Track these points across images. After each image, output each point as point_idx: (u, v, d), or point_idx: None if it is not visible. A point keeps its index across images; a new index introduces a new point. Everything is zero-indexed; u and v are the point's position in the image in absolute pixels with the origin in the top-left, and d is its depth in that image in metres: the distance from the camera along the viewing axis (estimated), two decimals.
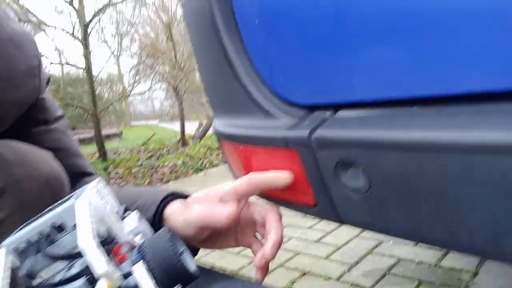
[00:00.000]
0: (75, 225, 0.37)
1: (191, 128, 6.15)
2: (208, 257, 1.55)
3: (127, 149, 5.41)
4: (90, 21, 3.95)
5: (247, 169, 0.53)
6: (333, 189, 0.41)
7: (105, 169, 3.94)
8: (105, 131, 5.89)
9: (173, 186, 3.21)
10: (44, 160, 0.58)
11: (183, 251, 0.45)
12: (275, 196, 0.51)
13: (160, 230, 0.42)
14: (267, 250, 0.45)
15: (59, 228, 0.38)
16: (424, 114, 0.36)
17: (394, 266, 1.30)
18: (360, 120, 0.39)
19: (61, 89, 4.41)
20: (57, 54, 4.03)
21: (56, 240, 0.38)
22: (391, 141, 0.35)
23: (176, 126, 5.74)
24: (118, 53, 6.02)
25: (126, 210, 0.52)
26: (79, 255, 0.35)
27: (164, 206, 0.53)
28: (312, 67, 0.44)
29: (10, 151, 0.56)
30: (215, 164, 3.87)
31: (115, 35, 5.29)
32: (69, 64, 4.13)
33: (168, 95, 6.76)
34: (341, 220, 0.43)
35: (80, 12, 3.84)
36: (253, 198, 0.50)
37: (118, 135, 7.86)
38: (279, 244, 0.46)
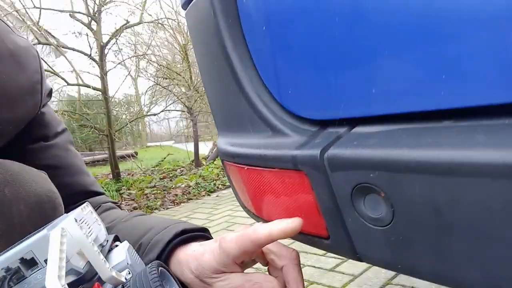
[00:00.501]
0: (46, 260, 0.31)
1: (206, 148, 6.13)
2: None
3: (141, 170, 5.40)
4: (107, 42, 4.02)
5: (252, 194, 0.48)
6: (349, 219, 0.35)
7: (118, 190, 3.92)
8: (121, 152, 5.92)
9: (185, 208, 3.15)
10: (36, 180, 0.54)
11: None
12: None
13: (148, 266, 0.36)
14: None
15: (30, 262, 0.33)
16: (459, 129, 0.30)
17: None
18: (381, 137, 0.33)
19: (78, 110, 4.46)
20: (74, 75, 4.09)
21: (25, 277, 0.33)
22: (419, 162, 0.29)
23: (190, 147, 5.73)
24: (136, 75, 6.11)
25: (116, 239, 0.46)
26: None
27: (173, 248, 0.50)
28: (325, 77, 0.39)
29: (0, 170, 0.52)
30: (228, 185, 3.81)
31: (132, 57, 5.38)
32: (86, 86, 4.18)
33: (183, 116, 6.79)
34: (358, 257, 0.37)
35: (97, 34, 3.91)
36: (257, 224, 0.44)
37: (134, 155, 7.90)
38: None
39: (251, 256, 0.46)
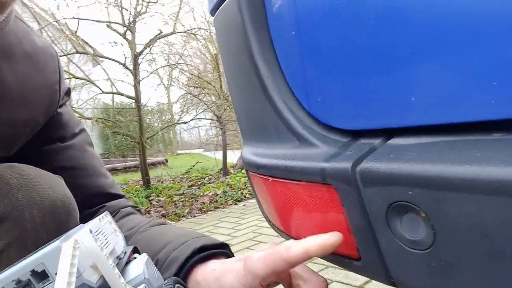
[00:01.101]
0: (55, 274, 0.30)
1: (234, 157, 6.15)
2: None
3: (171, 177, 5.47)
4: (141, 52, 4.12)
5: (276, 208, 0.45)
6: (383, 240, 0.32)
7: (147, 196, 3.98)
8: (152, 159, 6.03)
9: (212, 216, 3.15)
10: (51, 185, 0.53)
11: None
12: None
13: (164, 283, 0.34)
14: None
15: (42, 275, 0.31)
16: (511, 142, 0.26)
17: None
18: (421, 150, 0.30)
19: (111, 117, 4.59)
20: (109, 83, 4.22)
21: None
22: (465, 180, 0.25)
23: (219, 155, 5.76)
24: (168, 84, 6.24)
25: (135, 250, 0.44)
26: None
27: (191, 266, 0.47)
28: (358, 84, 0.36)
29: (13, 175, 0.51)
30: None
31: (165, 66, 5.49)
32: (119, 94, 4.30)
33: (213, 125, 6.86)
34: (392, 281, 0.33)
35: (131, 44, 4.02)
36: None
37: (164, 162, 8.04)
38: None
39: (280, 278, 0.43)
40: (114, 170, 7.82)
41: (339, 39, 0.38)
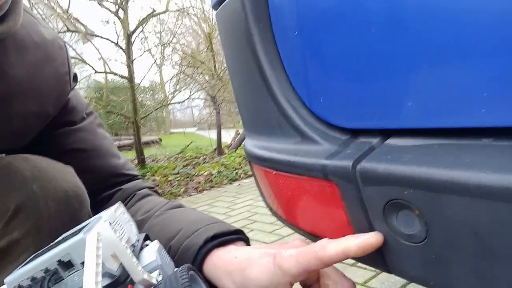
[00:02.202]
0: (83, 263, 0.33)
1: (228, 136, 6.16)
2: None
3: (165, 156, 5.49)
4: (134, 31, 4.06)
5: (279, 199, 0.48)
6: (381, 233, 0.35)
7: (143, 175, 4.01)
8: (145, 138, 6.02)
9: (207, 196, 3.20)
10: (63, 175, 0.55)
11: None
12: (311, 232, 0.45)
13: (178, 270, 0.37)
14: None
15: (67, 264, 0.34)
16: (499, 149, 0.28)
17: None
18: (417, 153, 0.32)
19: (104, 97, 4.56)
20: (101, 63, 4.17)
21: (63, 279, 0.34)
22: (456, 183, 0.28)
23: (213, 134, 5.77)
24: (161, 63, 6.17)
25: (146, 238, 0.47)
26: None
27: (207, 252, 0.47)
28: (359, 85, 0.38)
29: (28, 167, 0.53)
30: (250, 174, 3.83)
31: (158, 45, 5.42)
32: (113, 73, 4.26)
33: (206, 104, 6.84)
34: (388, 269, 0.36)
35: (124, 22, 3.96)
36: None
37: (158, 142, 8.04)
38: None
39: (311, 276, 0.42)
40: None
41: (340, 41, 0.40)
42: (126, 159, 0.75)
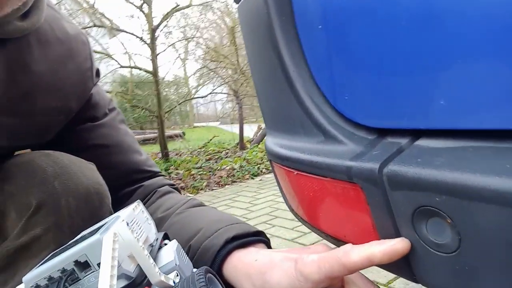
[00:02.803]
0: (99, 264, 0.32)
1: (250, 131, 6.16)
2: None
3: (188, 150, 5.55)
4: (158, 25, 4.10)
5: (300, 200, 0.46)
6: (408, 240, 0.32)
7: (166, 169, 4.06)
8: (169, 131, 6.10)
9: (229, 190, 3.21)
10: (84, 172, 0.55)
11: None
12: (333, 236, 0.43)
13: (196, 273, 0.36)
14: None
15: (84, 265, 0.34)
16: None
17: None
18: (449, 156, 0.30)
19: (130, 91, 4.63)
20: (127, 57, 4.24)
21: (79, 279, 0.34)
22: (493, 191, 0.26)
23: (235, 128, 5.78)
24: (185, 57, 6.22)
25: (165, 237, 0.47)
26: None
27: (227, 253, 0.46)
28: (387, 82, 0.35)
29: (49, 163, 0.54)
30: (271, 170, 3.82)
31: (181, 40, 5.46)
32: (138, 68, 4.31)
33: (229, 99, 6.85)
34: (415, 279, 0.34)
35: (148, 17, 4.00)
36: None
37: (181, 135, 8.13)
38: None
39: (334, 283, 0.40)
40: None
41: (368, 34, 0.37)
42: (148, 156, 0.75)
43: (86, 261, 0.33)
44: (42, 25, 0.58)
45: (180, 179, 3.71)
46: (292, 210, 0.54)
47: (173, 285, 0.37)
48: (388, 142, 0.37)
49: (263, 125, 5.70)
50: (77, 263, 0.33)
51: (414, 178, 0.30)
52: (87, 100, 0.67)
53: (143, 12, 4.06)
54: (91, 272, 0.34)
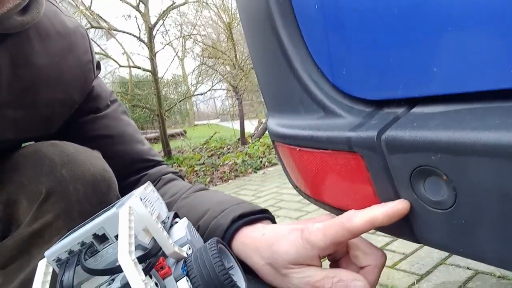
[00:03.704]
0: (117, 236, 0.34)
1: (251, 126, 6.18)
2: None
3: (190, 148, 5.57)
4: (155, 24, 4.10)
5: (304, 175, 0.48)
6: (407, 200, 0.34)
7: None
8: (170, 131, 6.13)
9: (233, 185, 3.23)
10: (91, 160, 0.57)
11: (231, 266, 0.40)
12: (337, 206, 0.45)
13: (208, 243, 0.38)
14: None
15: (102, 238, 0.35)
16: None
17: (471, 280, 1.16)
18: (443, 118, 0.32)
19: (129, 91, 4.65)
20: (125, 57, 4.25)
21: (98, 251, 0.35)
22: (485, 145, 0.27)
23: (236, 125, 5.79)
24: (182, 55, 6.23)
25: (176, 216, 0.48)
26: (120, 269, 0.32)
27: (235, 231, 0.48)
28: (381, 55, 0.37)
29: (56, 152, 0.55)
30: (274, 163, 3.84)
31: (179, 38, 5.46)
32: (137, 67, 4.33)
33: (229, 95, 6.86)
34: (416, 239, 0.36)
35: (145, 16, 4.01)
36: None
37: (182, 134, 8.15)
38: None
39: (339, 249, 0.42)
40: None
41: (362, 11, 0.39)
42: (150, 146, 0.76)
43: (104, 234, 0.35)
44: (42, 20, 0.60)
45: (184, 176, 3.73)
46: (296, 188, 0.56)
47: (186, 256, 0.38)
48: (385, 112, 0.38)
49: (263, 120, 5.72)
50: (95, 236, 0.35)
51: (410, 140, 0.31)
52: (89, 92, 0.69)
53: (139, 11, 4.07)
54: (109, 244, 0.35)
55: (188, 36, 5.40)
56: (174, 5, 4.18)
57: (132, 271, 0.29)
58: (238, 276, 0.40)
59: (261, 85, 0.59)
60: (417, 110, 0.36)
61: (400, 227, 0.36)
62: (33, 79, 0.59)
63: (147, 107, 4.55)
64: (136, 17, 4.03)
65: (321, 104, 0.44)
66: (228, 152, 4.74)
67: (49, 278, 0.33)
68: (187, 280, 0.35)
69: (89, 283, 0.36)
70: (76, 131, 0.68)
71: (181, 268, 0.36)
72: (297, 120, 0.49)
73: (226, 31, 5.31)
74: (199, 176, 3.65)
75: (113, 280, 0.35)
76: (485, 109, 0.30)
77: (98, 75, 0.72)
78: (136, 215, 0.35)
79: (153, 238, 0.37)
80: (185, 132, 8.49)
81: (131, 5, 4.06)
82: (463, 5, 0.30)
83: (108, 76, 4.70)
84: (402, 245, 1.46)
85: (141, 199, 0.38)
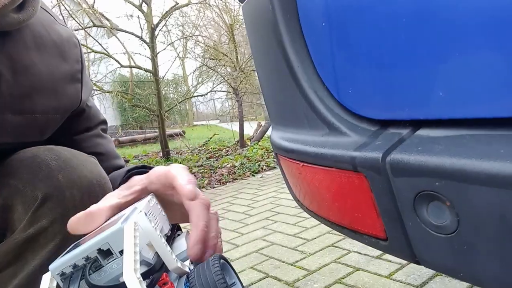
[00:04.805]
0: (121, 251, 0.34)
1: (250, 129, 6.18)
2: (263, 266, 1.52)
3: (189, 149, 5.57)
4: (157, 24, 4.11)
5: (306, 190, 0.48)
6: (410, 224, 0.35)
7: None
8: (169, 131, 6.12)
9: (231, 188, 3.22)
10: (86, 166, 0.58)
11: (233, 283, 0.41)
12: (339, 223, 0.45)
13: (210, 259, 0.38)
14: (188, 251, 0.41)
15: (107, 252, 0.36)
16: None
17: None
18: (448, 144, 0.32)
19: (130, 90, 4.64)
20: (126, 56, 4.25)
21: (102, 266, 0.36)
22: (489, 175, 0.28)
23: (235, 126, 5.79)
24: (184, 56, 6.23)
25: (177, 228, 0.48)
26: (124, 286, 0.32)
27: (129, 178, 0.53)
28: (388, 75, 0.38)
29: (53, 157, 0.56)
30: (272, 166, 3.84)
31: (180, 38, 5.47)
32: (138, 67, 4.33)
33: (229, 97, 6.86)
34: (416, 260, 0.36)
35: (148, 16, 4.01)
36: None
37: (182, 134, 8.15)
38: (200, 242, 0.41)
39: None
40: (133, 142, 7.96)
41: (369, 30, 0.39)
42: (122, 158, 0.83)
43: (109, 249, 0.35)
44: (39, 29, 0.61)
45: None
46: (297, 202, 0.56)
47: (189, 271, 0.39)
48: (390, 132, 0.39)
49: (263, 123, 5.72)
50: (100, 251, 0.35)
51: (415, 164, 0.32)
52: (87, 113, 0.72)
53: (142, 11, 4.07)
54: (113, 260, 0.35)
55: (190, 37, 5.41)
56: (177, 5, 4.19)
57: (131, 266, 0.30)
58: None
59: (266, 98, 0.60)
60: (422, 132, 0.36)
61: (401, 249, 0.37)
62: (31, 85, 0.60)
63: (147, 107, 4.55)
64: (138, 17, 4.03)
65: (326, 121, 0.45)
66: (227, 155, 4.73)
67: None
68: None
69: None
70: (72, 147, 0.70)
71: (184, 284, 0.37)
72: (302, 135, 0.49)
73: (228, 32, 5.32)
74: (197, 178, 3.65)
75: None
76: (489, 136, 0.31)
77: (90, 97, 0.75)
78: (140, 230, 0.36)
79: (156, 253, 0.37)
80: (184, 132, 8.49)
81: (134, 4, 4.07)
82: (471, 31, 0.31)
83: (109, 75, 4.70)
84: None
85: (145, 214, 0.38)
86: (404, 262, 1.40)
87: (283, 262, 1.51)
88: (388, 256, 1.46)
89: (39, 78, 0.61)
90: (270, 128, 0.59)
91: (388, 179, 0.34)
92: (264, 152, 4.46)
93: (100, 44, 4.02)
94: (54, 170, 0.55)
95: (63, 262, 0.35)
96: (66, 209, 0.54)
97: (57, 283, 0.35)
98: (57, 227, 0.54)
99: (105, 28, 4.17)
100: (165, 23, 4.38)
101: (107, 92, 4.39)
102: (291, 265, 1.48)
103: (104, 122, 0.78)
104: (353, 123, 0.42)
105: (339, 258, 1.50)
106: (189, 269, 0.39)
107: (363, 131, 0.41)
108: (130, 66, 4.35)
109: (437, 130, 0.35)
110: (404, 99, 0.37)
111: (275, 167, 3.80)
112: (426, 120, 0.36)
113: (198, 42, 5.58)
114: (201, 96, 5.69)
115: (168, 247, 0.37)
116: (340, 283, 1.32)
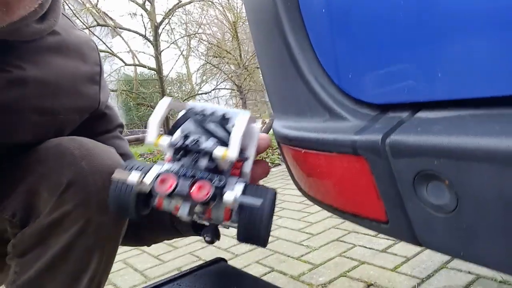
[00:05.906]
0: (232, 126, 0.44)
1: None
2: (268, 261, 1.52)
3: None
4: (161, 22, 4.12)
5: (309, 177, 0.48)
6: (410, 205, 0.35)
7: None
8: None
9: None
10: (107, 154, 0.61)
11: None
12: (341, 209, 0.45)
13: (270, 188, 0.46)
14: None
15: (225, 120, 0.45)
16: None
17: (472, 284, 1.17)
18: (446, 124, 0.32)
19: (135, 89, 4.66)
20: (130, 55, 4.27)
21: (224, 125, 0.46)
22: (486, 151, 0.28)
23: None
24: (187, 54, 6.25)
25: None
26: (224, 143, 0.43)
27: None
28: (387, 59, 0.38)
29: (76, 146, 0.59)
30: (277, 163, 3.84)
31: (184, 36, 5.48)
32: (142, 65, 4.35)
33: (233, 94, 6.87)
34: (418, 242, 0.37)
35: (151, 14, 4.02)
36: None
37: None
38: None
39: None
40: (137, 141, 7.99)
41: (368, 16, 0.40)
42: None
43: (228, 118, 0.45)
44: (61, 33, 0.65)
45: None
46: (300, 190, 0.57)
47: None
48: (389, 116, 0.39)
49: (267, 120, 5.71)
50: (223, 117, 0.45)
51: (414, 145, 0.32)
52: (108, 116, 0.77)
53: (145, 10, 4.09)
54: (225, 125, 0.46)
55: (193, 35, 5.42)
56: (180, 3, 4.20)
57: (237, 144, 0.41)
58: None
59: (268, 87, 0.60)
60: (421, 114, 0.36)
61: (402, 231, 0.37)
62: (55, 86, 0.63)
63: (152, 106, 4.57)
64: (142, 15, 4.05)
65: (327, 107, 0.45)
66: None
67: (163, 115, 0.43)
68: (243, 187, 0.43)
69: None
70: None
71: (241, 181, 0.45)
72: (303, 123, 0.50)
73: (231, 30, 5.32)
74: None
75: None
76: (486, 116, 0.31)
77: (108, 99, 0.79)
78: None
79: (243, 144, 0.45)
80: None
81: (137, 3, 4.08)
82: (469, 12, 0.31)
83: (114, 74, 4.72)
84: (404, 248, 1.46)
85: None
86: (409, 255, 1.40)
87: (289, 256, 1.52)
88: (393, 250, 1.46)
89: (62, 79, 0.64)
90: (273, 126, 0.61)
91: (388, 161, 0.35)
92: (269, 149, 4.46)
93: (104, 43, 4.04)
94: (77, 158, 0.58)
95: (201, 106, 0.45)
96: (89, 194, 0.57)
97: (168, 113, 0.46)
98: (80, 211, 0.57)
99: (109, 27, 4.18)
100: (169, 22, 4.39)
101: (112, 91, 4.42)
102: (296, 259, 1.49)
103: (122, 125, 0.83)
104: (353, 108, 0.43)
105: (344, 252, 1.50)
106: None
107: (363, 115, 0.41)
108: (135, 65, 4.37)
109: (436, 112, 0.35)
110: (403, 82, 0.37)
111: (279, 164, 3.79)
112: (425, 102, 0.36)
113: (201, 40, 5.59)
114: (205, 94, 5.71)
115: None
116: (345, 276, 1.32)
